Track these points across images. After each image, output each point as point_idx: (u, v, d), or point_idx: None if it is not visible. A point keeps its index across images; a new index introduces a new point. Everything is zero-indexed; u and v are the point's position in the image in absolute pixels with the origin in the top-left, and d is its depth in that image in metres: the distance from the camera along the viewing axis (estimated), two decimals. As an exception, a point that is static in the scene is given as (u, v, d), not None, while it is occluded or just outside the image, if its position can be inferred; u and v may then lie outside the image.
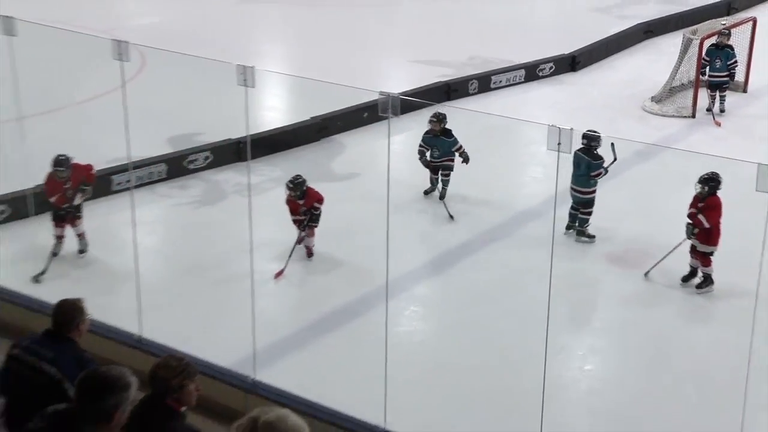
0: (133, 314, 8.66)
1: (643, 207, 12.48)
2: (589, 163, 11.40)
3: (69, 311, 5.82)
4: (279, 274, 10.82)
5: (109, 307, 8.90)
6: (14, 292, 9.37)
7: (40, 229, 11.17)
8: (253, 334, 8.29)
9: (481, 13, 23.10)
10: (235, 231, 10.52)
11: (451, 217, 12.32)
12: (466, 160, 12.69)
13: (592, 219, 11.67)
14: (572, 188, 11.61)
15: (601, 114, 15.90)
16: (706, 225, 10.44)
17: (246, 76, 7.44)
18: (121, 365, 4.64)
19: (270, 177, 13.22)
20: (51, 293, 9.31)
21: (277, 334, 9.65)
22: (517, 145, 14.96)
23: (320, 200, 11.10)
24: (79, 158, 12.78)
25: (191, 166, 13.76)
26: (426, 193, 12.99)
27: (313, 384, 8.16)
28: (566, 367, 9.26)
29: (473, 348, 9.61)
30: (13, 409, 5.91)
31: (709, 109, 16.30)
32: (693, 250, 10.68)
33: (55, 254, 10.87)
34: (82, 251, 11.18)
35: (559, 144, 6.76)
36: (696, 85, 16.42)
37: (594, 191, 11.57)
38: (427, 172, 12.85)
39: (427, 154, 12.72)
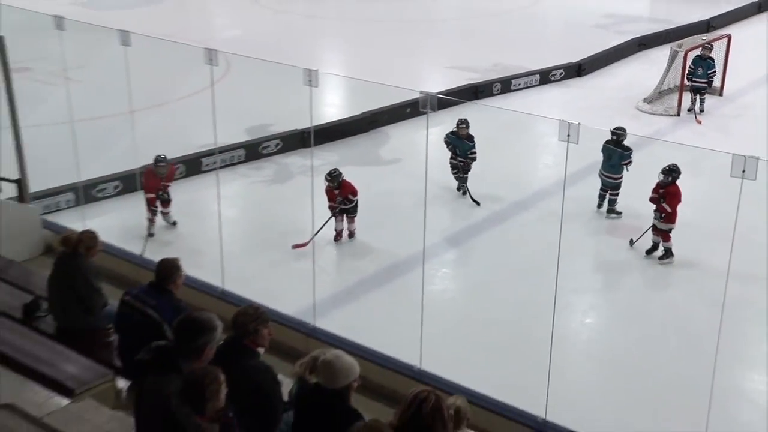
0: (218, 271, 8.72)
1: (636, 189, 12.28)
2: (621, 154, 11.43)
3: (168, 268, 5.87)
4: (299, 246, 10.43)
5: (198, 265, 8.99)
6: (126, 251, 9.48)
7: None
8: (313, 289, 8.32)
9: (503, 29, 23.07)
10: (299, 204, 10.51)
11: (477, 203, 12.06)
12: (470, 161, 12.19)
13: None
14: (603, 174, 11.66)
15: (601, 112, 15.68)
16: (669, 210, 10.35)
17: (311, 78, 7.41)
18: (209, 312, 4.68)
19: (328, 161, 13.20)
20: (154, 253, 9.44)
21: (333, 289, 9.69)
22: (532, 137, 14.78)
23: (354, 192, 10.72)
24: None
25: (265, 151, 13.80)
26: (459, 189, 12.38)
27: (361, 330, 8.15)
28: (570, 321, 9.18)
29: (493, 304, 9.57)
30: (124, 344, 6.00)
31: (690, 109, 16.18)
32: (655, 229, 10.55)
33: (151, 235, 10.78)
34: (174, 223, 11.17)
35: (568, 136, 6.67)
36: (681, 89, 16.31)
37: (622, 177, 11.49)
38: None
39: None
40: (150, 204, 10.82)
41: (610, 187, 11.66)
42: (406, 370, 7.20)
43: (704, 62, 16.21)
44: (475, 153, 12.16)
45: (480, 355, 8.43)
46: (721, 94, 17.21)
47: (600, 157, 11.70)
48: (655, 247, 10.65)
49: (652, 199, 10.51)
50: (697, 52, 16.39)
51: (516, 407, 6.77)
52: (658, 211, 10.46)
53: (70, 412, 5.64)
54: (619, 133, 11.40)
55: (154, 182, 10.77)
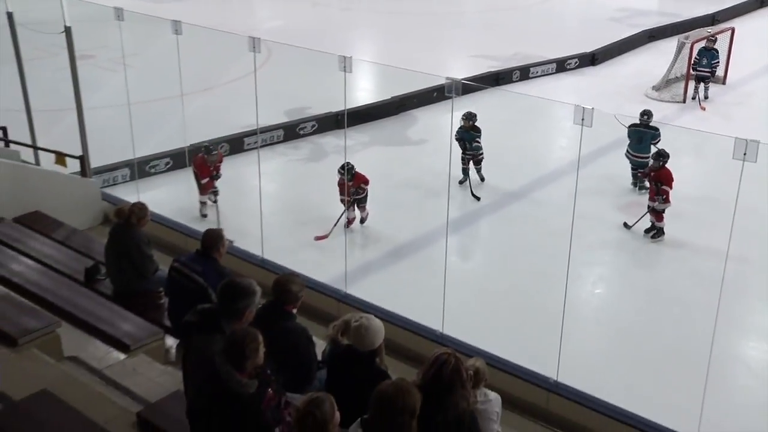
0: (258, 241, 8.71)
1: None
2: (652, 134, 11.38)
3: (212, 237, 5.88)
4: (320, 238, 10.13)
5: (241, 235, 9.00)
6: (176, 222, 9.53)
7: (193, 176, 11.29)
8: (345, 258, 8.30)
9: (523, 22, 22.79)
10: (333, 181, 10.49)
11: (477, 198, 11.46)
12: (477, 159, 11.71)
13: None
14: (631, 154, 11.60)
15: (613, 99, 15.45)
16: (668, 191, 10.20)
17: (345, 64, 7.34)
18: (249, 278, 4.67)
19: (360, 141, 13.19)
20: (200, 224, 9.48)
21: (363, 259, 9.67)
22: (549, 121, 14.56)
23: (366, 182, 10.26)
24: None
25: (302, 132, 13.77)
26: (460, 182, 11.73)
27: (389, 297, 8.11)
28: (581, 291, 9.10)
29: (510, 275, 9.52)
30: (173, 306, 6.04)
31: (694, 97, 15.94)
32: (652, 211, 10.40)
33: (204, 216, 10.66)
34: (215, 193, 10.82)
35: (582, 120, 6.55)
36: (686, 78, 16.09)
37: (649, 156, 11.17)
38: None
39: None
40: (205, 188, 10.69)
41: (640, 166, 11.44)
42: (429, 334, 7.17)
43: (708, 53, 16.01)
44: (479, 143, 11.61)
45: (498, 322, 8.38)
46: (724, 83, 16.87)
47: (617, 139, 11.47)
48: (653, 227, 10.48)
49: (652, 184, 10.39)
50: (703, 43, 16.16)
51: (530, 369, 6.72)
52: (660, 194, 10.27)
53: (125, 366, 5.70)
54: (648, 115, 11.48)
55: (206, 169, 10.68)
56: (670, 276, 9.69)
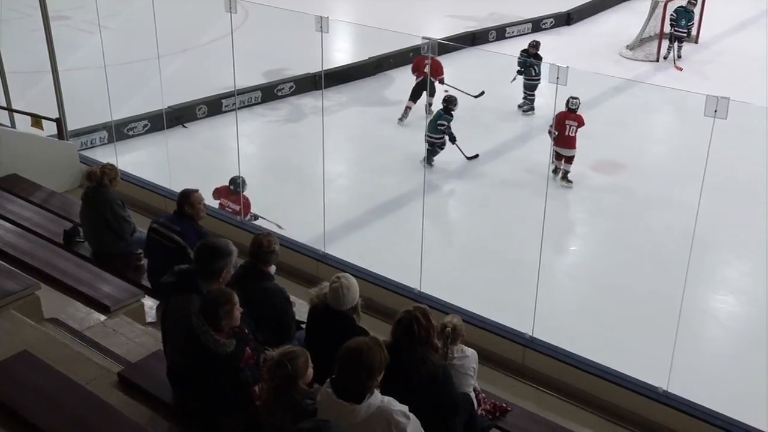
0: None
1: (618, 129, 12.13)
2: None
3: (185, 195, 5.80)
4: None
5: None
6: (154, 183, 9.39)
7: (171, 138, 11.12)
8: (323, 218, 8.25)
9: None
10: (311, 142, 10.34)
11: (469, 158, 11.26)
12: (451, 138, 11.13)
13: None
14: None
15: (588, 58, 15.37)
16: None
17: (322, 25, 7.20)
18: (226, 238, 4.61)
19: (338, 102, 13.06)
20: (179, 184, 9.35)
21: (342, 219, 9.61)
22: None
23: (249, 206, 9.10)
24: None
25: (280, 93, 13.59)
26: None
27: (367, 256, 8.08)
28: (556, 247, 9.12)
29: (487, 233, 9.51)
30: (153, 267, 5.97)
31: (666, 57, 15.94)
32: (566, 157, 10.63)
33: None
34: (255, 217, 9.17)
35: (557, 78, 6.48)
36: (660, 37, 16.08)
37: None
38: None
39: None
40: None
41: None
42: (407, 292, 7.16)
43: (687, 14, 16.04)
44: (444, 125, 10.99)
45: (474, 279, 8.39)
46: (696, 42, 16.83)
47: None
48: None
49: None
50: (677, 3, 16.10)
51: (506, 325, 6.75)
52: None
53: (106, 327, 5.65)
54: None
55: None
56: (642, 232, 9.74)
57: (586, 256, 9.45)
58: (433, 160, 11.02)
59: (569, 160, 10.69)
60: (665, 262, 8.72)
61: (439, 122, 11.00)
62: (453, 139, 11.10)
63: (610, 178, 10.84)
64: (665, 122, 12.74)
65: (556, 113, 9.98)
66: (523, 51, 12.98)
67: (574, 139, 10.60)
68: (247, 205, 9.14)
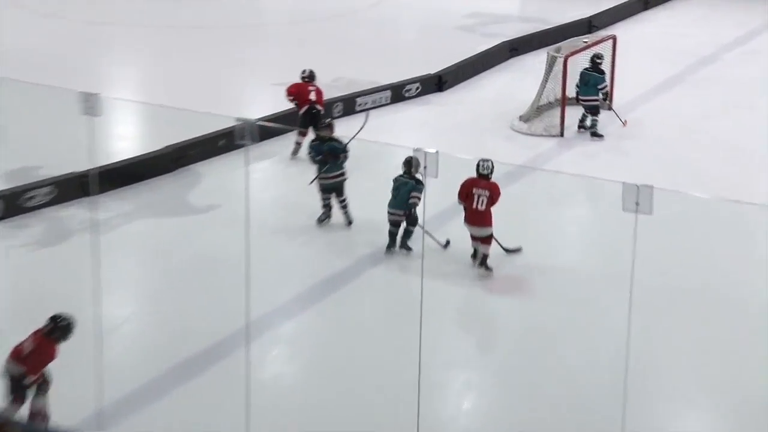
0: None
1: (513, 226, 12.53)
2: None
3: None
4: None
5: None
6: None
7: None
8: (101, 387, 7.90)
9: (346, 34, 23.45)
10: (81, 272, 10.01)
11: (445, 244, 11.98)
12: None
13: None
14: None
15: (469, 133, 16.10)
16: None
17: (91, 104, 7.13)
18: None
19: (120, 212, 12.80)
20: None
21: (130, 386, 9.23)
22: (387, 168, 14.63)
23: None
24: None
25: (30, 203, 13.23)
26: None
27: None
28: (443, 404, 9.13)
29: (345, 386, 9.42)
30: None
31: (580, 128, 16.65)
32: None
33: None
34: None
35: (425, 168, 6.65)
36: (563, 103, 16.75)
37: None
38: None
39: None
40: None
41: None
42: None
43: (592, 76, 16.48)
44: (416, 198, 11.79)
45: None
46: (609, 108, 17.10)
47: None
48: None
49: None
50: (580, 57, 16.87)
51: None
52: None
53: None
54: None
55: None
56: (559, 370, 9.96)
57: (486, 409, 9.50)
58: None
59: (486, 240, 11.09)
60: (588, 412, 8.91)
61: (413, 194, 11.61)
62: (414, 222, 11.78)
63: (510, 300, 11.14)
64: (578, 216, 13.32)
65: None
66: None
67: (486, 214, 11.05)
68: None
